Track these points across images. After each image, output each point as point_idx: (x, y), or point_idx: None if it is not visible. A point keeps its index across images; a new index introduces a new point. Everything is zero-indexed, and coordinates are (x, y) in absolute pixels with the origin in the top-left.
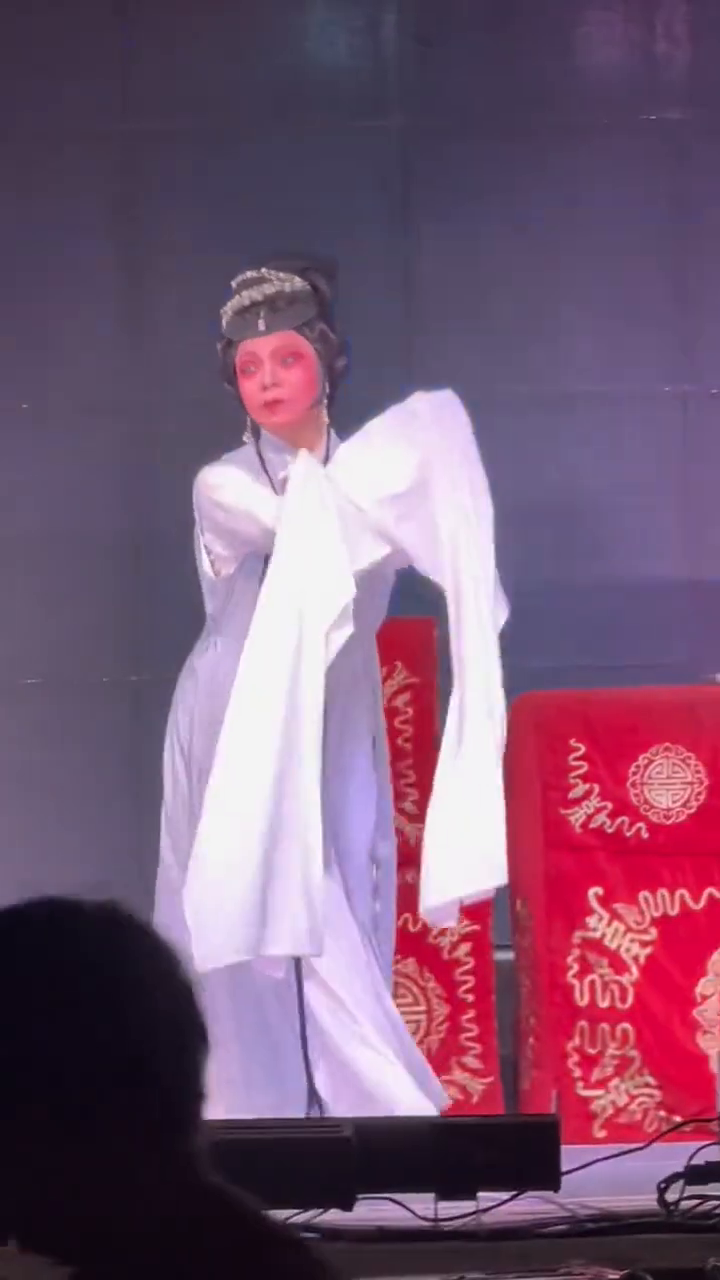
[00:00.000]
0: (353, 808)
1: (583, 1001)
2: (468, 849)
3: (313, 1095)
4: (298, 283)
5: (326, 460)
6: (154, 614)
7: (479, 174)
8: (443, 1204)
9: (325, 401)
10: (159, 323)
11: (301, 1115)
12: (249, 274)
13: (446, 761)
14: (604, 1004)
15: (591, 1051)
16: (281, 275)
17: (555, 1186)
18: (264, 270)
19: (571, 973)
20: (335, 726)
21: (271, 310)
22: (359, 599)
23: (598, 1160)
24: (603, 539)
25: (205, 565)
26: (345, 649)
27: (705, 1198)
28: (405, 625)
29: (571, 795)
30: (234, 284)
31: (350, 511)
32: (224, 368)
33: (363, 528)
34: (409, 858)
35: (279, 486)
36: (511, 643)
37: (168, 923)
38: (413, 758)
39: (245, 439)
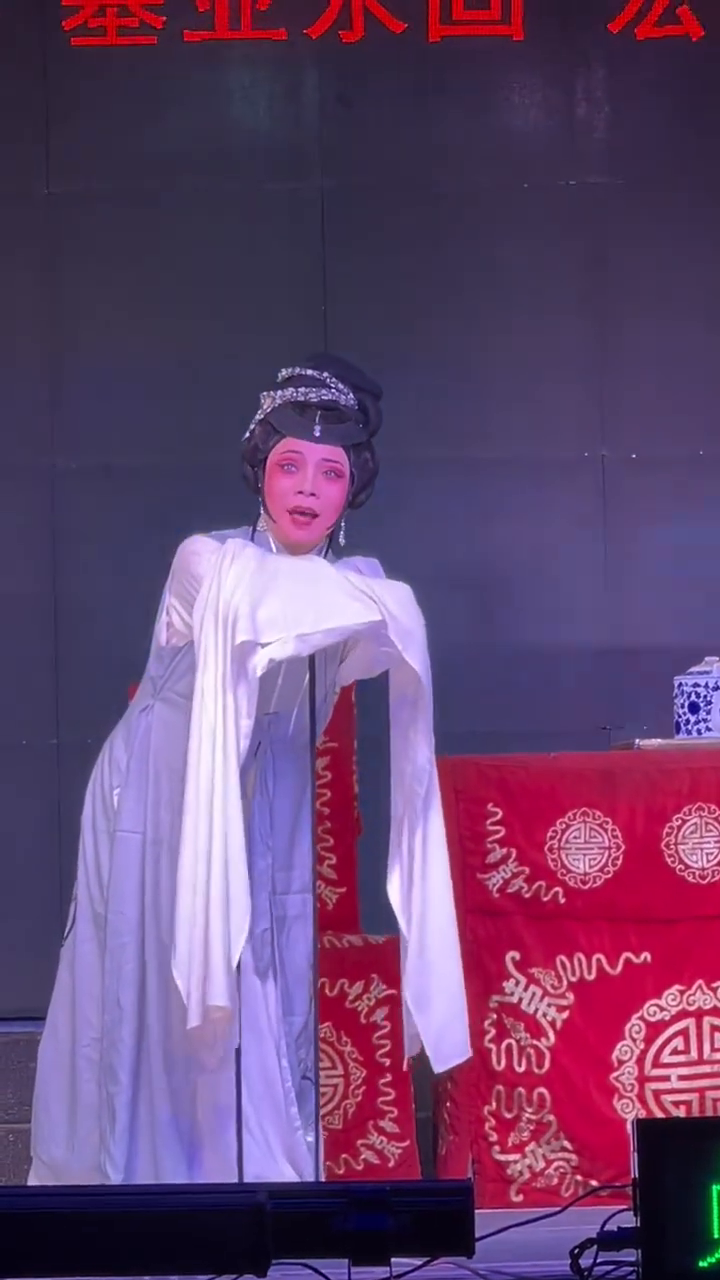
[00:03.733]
0: (307, 917)
1: (499, 1066)
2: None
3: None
4: (351, 399)
5: None
6: (72, 678)
7: (399, 236)
8: (356, 1270)
9: (337, 528)
10: (77, 385)
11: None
12: (309, 372)
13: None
14: (521, 1068)
15: (508, 1116)
16: (341, 386)
17: (469, 1253)
18: (325, 375)
19: (488, 1037)
20: (290, 834)
21: (327, 420)
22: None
23: (511, 1226)
24: (520, 603)
25: (160, 628)
26: (302, 745)
27: (618, 1263)
28: None
29: (489, 860)
30: (285, 374)
31: (344, 577)
32: (254, 451)
33: (357, 592)
34: (326, 921)
35: None
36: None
37: (88, 964)
38: (330, 821)
39: (261, 526)
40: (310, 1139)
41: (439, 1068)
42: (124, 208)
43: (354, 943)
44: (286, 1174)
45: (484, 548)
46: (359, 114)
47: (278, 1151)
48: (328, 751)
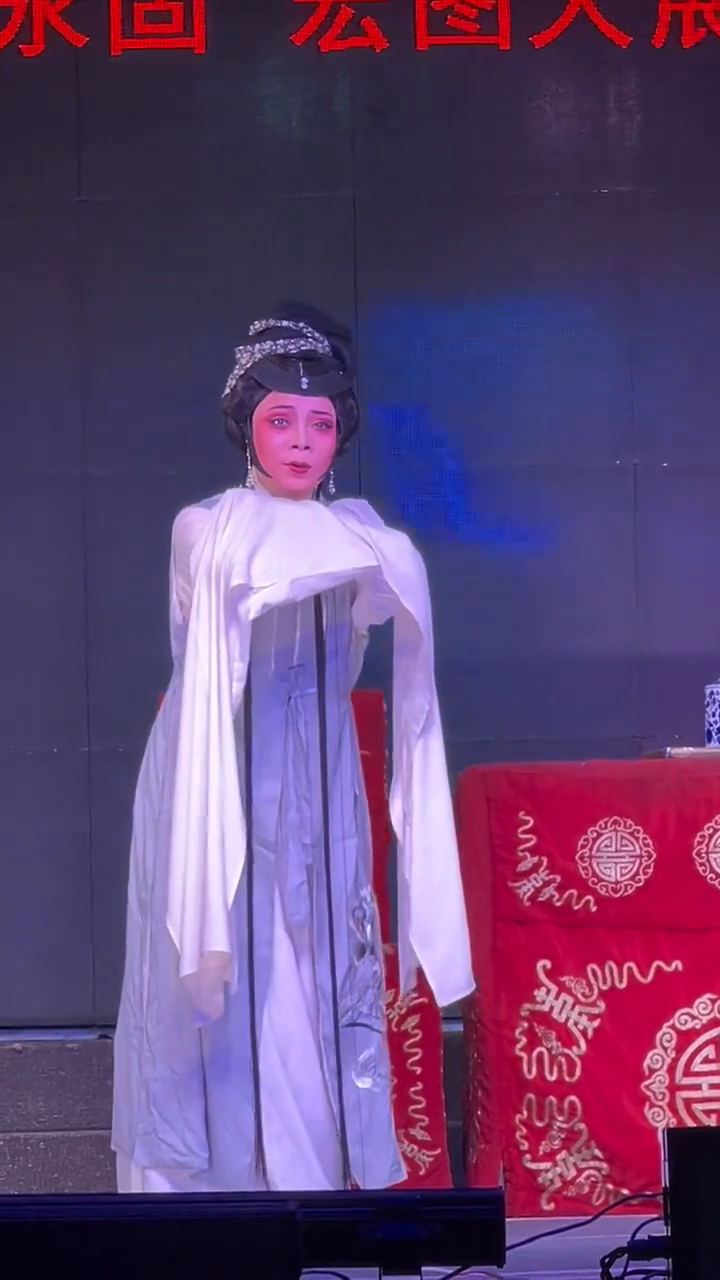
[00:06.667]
0: (335, 866)
1: (530, 1074)
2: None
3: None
4: (327, 346)
5: None
6: (103, 686)
7: (431, 244)
8: (387, 1279)
9: (327, 477)
10: (107, 394)
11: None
12: (285, 324)
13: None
14: (552, 1077)
15: (539, 1124)
16: (317, 335)
17: (500, 1261)
18: (302, 325)
19: (519, 1045)
20: (330, 783)
21: (310, 371)
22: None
23: (542, 1235)
24: (551, 612)
25: (173, 609)
26: (332, 695)
27: (649, 1273)
28: (355, 697)
29: (520, 868)
30: (260, 327)
31: (341, 523)
32: (238, 407)
33: (354, 538)
34: None
35: None
36: (461, 715)
37: (133, 951)
38: None
39: (250, 482)
40: (366, 1084)
41: (443, 1001)
42: (154, 217)
43: (385, 952)
44: (296, 1126)
45: (515, 556)
46: (390, 123)
47: (289, 1105)
48: (361, 760)
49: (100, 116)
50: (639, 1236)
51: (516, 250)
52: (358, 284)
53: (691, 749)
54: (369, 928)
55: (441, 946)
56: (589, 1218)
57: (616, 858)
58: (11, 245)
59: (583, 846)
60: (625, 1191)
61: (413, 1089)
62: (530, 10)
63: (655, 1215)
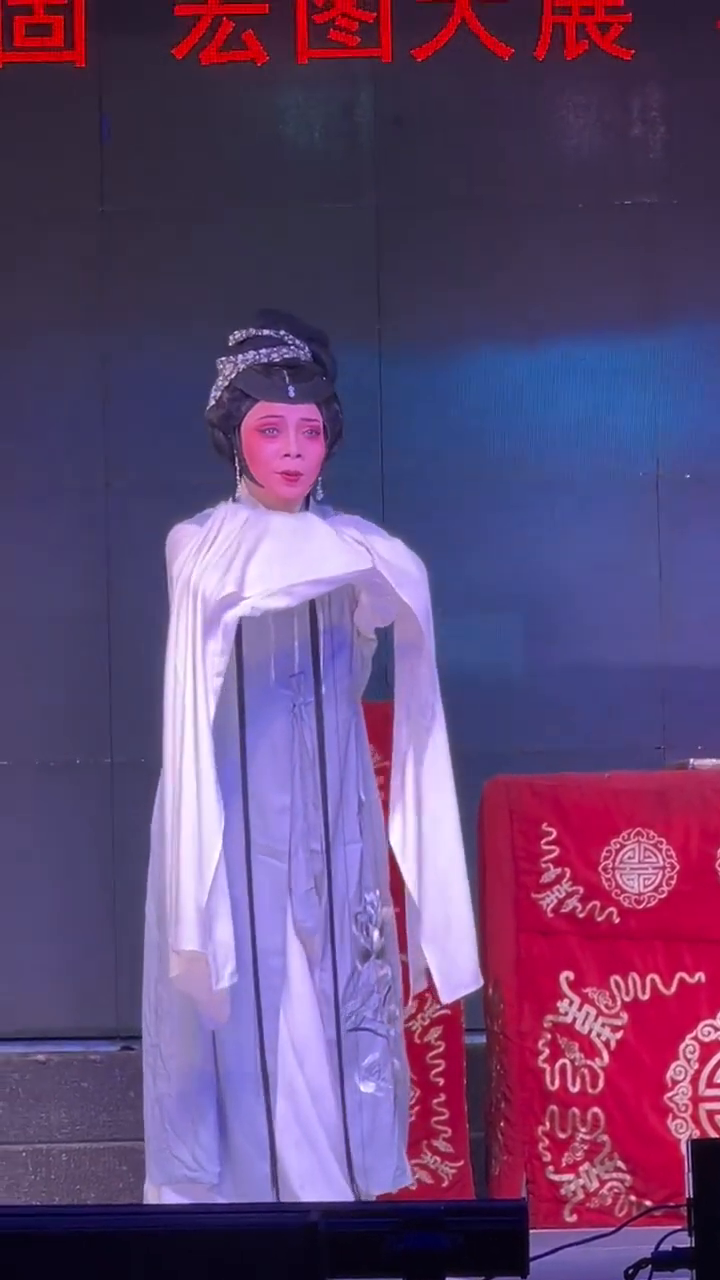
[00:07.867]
0: (337, 871)
1: (553, 1086)
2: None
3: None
4: (307, 352)
5: None
6: (126, 696)
7: (453, 255)
8: None
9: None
10: (129, 403)
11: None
12: (266, 332)
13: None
14: (575, 1088)
15: (562, 1136)
16: (298, 341)
17: (523, 1273)
18: (282, 332)
19: (542, 1057)
20: (333, 788)
21: (295, 378)
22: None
23: (566, 1246)
24: (574, 622)
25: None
26: (332, 700)
27: None
28: (373, 709)
29: (543, 879)
30: (240, 336)
31: (334, 530)
32: (226, 418)
33: (347, 544)
34: None
35: None
36: (483, 726)
37: (147, 968)
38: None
39: (240, 493)
40: (370, 1089)
41: (447, 998)
42: (177, 226)
43: (406, 963)
44: (315, 1135)
45: (538, 567)
46: (412, 132)
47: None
48: (379, 770)
49: (123, 125)
50: (662, 1248)
51: (539, 261)
52: (380, 294)
53: (714, 760)
54: (375, 932)
55: (448, 942)
56: (612, 1229)
57: (639, 869)
58: (34, 254)
59: (605, 858)
60: (648, 1203)
61: (435, 1100)
62: (411, 22)
63: (679, 1227)
